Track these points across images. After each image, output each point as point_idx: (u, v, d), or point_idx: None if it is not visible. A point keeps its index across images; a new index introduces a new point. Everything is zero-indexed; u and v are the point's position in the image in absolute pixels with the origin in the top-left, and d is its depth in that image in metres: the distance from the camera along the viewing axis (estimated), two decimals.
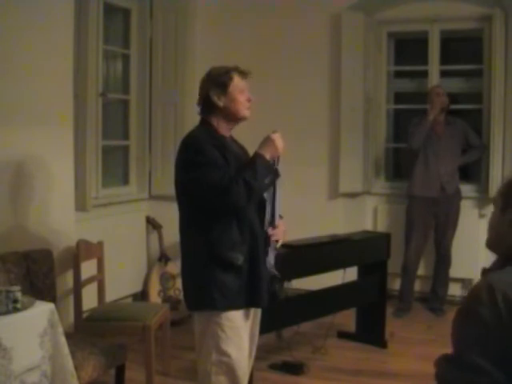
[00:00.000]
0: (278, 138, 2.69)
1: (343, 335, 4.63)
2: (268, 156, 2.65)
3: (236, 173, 2.57)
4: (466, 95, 5.68)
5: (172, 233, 5.20)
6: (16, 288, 2.70)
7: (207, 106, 2.70)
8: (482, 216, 5.32)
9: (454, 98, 5.20)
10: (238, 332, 2.65)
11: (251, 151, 2.78)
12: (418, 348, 4.40)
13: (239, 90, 2.68)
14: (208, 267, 2.60)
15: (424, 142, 5.10)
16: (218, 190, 2.52)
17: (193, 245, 2.66)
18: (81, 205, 4.40)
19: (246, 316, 2.74)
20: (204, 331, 2.64)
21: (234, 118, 2.71)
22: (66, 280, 3.90)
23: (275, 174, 2.72)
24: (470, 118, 5.50)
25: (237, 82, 2.68)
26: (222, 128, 2.71)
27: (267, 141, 2.68)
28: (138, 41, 5.37)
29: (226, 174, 2.54)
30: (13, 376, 2.57)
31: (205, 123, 2.72)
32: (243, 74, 2.72)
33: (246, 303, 2.67)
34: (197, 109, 2.77)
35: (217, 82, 2.67)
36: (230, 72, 2.69)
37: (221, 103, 2.67)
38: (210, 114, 2.71)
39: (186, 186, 2.64)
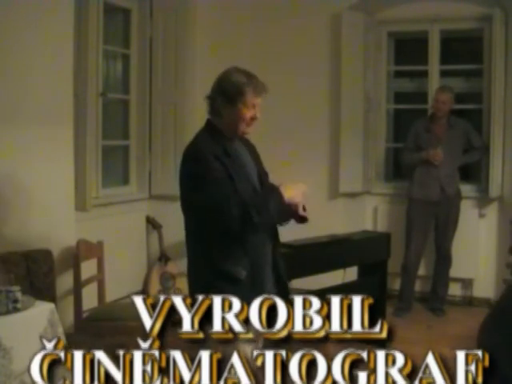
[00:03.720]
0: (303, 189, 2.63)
1: None
2: (287, 196, 2.55)
3: (244, 195, 2.48)
4: (466, 95, 5.67)
5: (172, 233, 5.21)
6: (16, 288, 2.70)
7: (213, 107, 2.60)
8: (481, 216, 5.32)
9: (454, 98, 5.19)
10: None
11: None
12: (417, 348, 4.39)
13: (248, 107, 2.52)
14: (211, 281, 2.53)
15: (424, 145, 5.10)
16: (214, 210, 2.45)
17: (196, 255, 2.63)
18: (81, 205, 4.40)
19: None
20: None
21: (231, 131, 2.60)
22: (66, 280, 3.90)
23: (288, 217, 2.66)
24: (470, 117, 5.49)
25: (248, 98, 2.51)
26: (227, 130, 2.61)
27: (295, 186, 2.61)
28: (138, 41, 5.37)
29: (222, 191, 2.45)
30: (13, 376, 2.57)
31: (209, 125, 2.63)
32: (258, 91, 2.53)
33: None
34: (205, 105, 2.66)
35: (227, 92, 2.51)
36: (243, 87, 2.50)
37: (224, 113, 2.55)
38: (215, 115, 2.61)
39: (186, 201, 2.59)
